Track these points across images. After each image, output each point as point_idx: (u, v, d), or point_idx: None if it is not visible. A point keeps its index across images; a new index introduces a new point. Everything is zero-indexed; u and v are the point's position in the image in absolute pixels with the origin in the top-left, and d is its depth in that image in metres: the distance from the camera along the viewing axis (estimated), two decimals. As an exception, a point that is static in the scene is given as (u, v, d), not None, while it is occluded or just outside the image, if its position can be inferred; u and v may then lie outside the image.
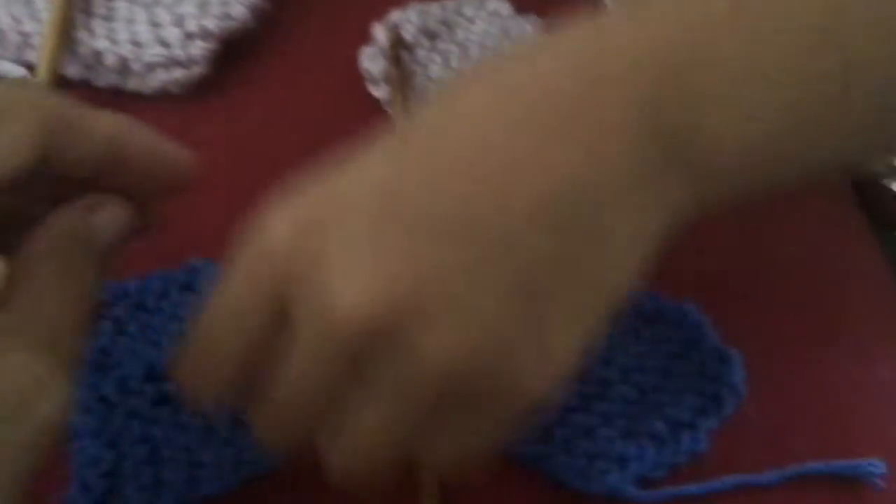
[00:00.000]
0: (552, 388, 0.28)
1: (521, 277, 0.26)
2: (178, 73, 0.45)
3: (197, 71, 0.45)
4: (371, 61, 0.46)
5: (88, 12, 0.46)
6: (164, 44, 0.45)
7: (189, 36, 0.45)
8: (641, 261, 0.28)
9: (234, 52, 0.47)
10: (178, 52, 0.45)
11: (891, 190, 0.48)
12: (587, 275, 0.27)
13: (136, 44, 0.45)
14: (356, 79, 0.46)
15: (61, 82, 0.45)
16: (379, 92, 0.45)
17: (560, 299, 0.27)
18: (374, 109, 0.45)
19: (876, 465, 0.35)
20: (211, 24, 0.45)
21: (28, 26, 0.45)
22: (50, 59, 0.44)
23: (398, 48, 0.45)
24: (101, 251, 0.27)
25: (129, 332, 0.36)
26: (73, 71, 0.45)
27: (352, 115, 0.45)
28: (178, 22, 0.45)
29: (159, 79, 0.45)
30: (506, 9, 0.48)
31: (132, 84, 0.46)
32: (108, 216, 0.28)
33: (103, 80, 0.46)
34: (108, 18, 0.46)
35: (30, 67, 0.46)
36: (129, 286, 0.38)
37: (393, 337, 0.26)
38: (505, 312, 0.26)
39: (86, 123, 0.27)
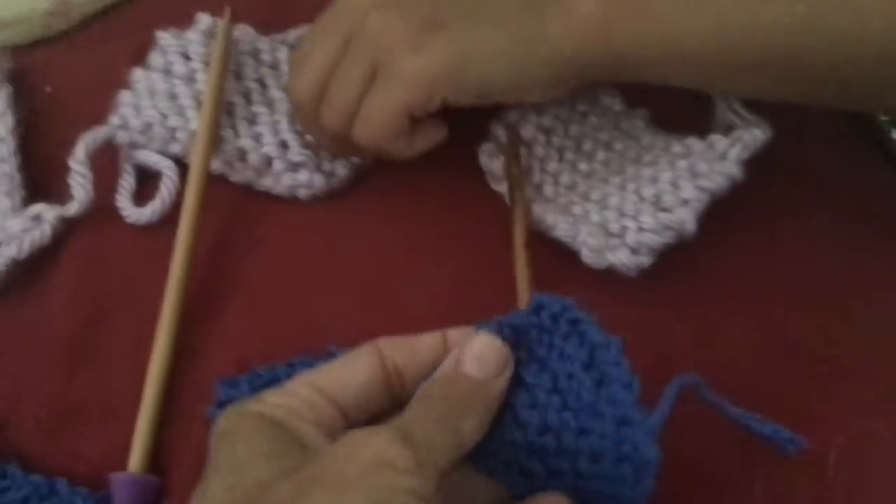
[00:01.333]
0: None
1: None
2: (317, 178, 0.48)
3: (335, 182, 0.49)
4: (489, 158, 0.48)
5: (231, 114, 0.50)
6: (313, 150, 0.48)
7: (334, 155, 0.49)
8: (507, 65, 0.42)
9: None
10: (326, 162, 0.49)
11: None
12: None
13: (284, 145, 0.49)
14: (477, 175, 0.48)
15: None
16: (499, 187, 0.48)
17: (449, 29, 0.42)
18: (495, 204, 0.48)
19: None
20: None
21: (173, 121, 0.49)
22: (203, 153, 0.47)
23: (517, 145, 0.48)
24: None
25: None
26: (213, 165, 0.49)
27: (473, 210, 0.48)
28: None
29: (297, 179, 0.48)
30: (617, 104, 0.51)
31: (265, 183, 0.49)
32: None
33: (240, 176, 0.49)
34: (252, 122, 0.50)
35: (175, 160, 0.49)
36: (277, 371, 0.40)
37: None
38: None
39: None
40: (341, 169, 0.49)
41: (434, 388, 0.34)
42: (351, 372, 0.35)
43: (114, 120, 0.49)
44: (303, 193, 0.49)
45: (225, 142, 0.49)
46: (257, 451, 0.31)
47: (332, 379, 0.35)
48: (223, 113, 0.49)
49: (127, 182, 0.49)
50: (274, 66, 0.52)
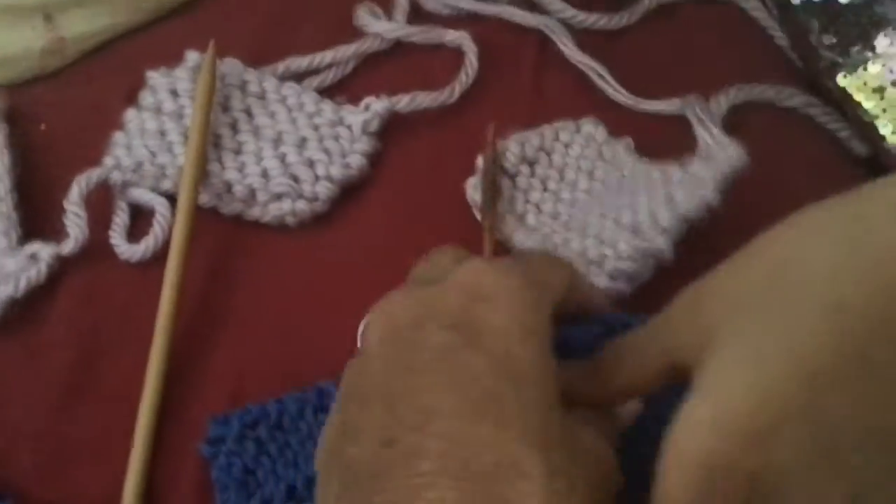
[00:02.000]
0: None
1: None
2: (300, 205, 0.49)
3: (318, 206, 0.50)
4: (476, 190, 0.49)
5: (218, 146, 0.51)
6: (293, 178, 0.50)
7: (318, 177, 0.50)
8: None
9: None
10: (307, 188, 0.49)
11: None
12: None
13: (265, 175, 0.50)
14: (464, 208, 0.49)
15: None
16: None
17: None
18: (481, 235, 0.49)
19: None
20: (336, 171, 0.50)
21: (162, 158, 0.50)
22: (189, 189, 0.48)
23: (494, 170, 0.49)
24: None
25: (270, 453, 0.40)
26: (203, 199, 0.50)
27: (460, 240, 0.48)
28: (308, 163, 0.50)
29: (281, 208, 0.49)
30: (601, 133, 0.51)
31: (254, 213, 0.50)
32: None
33: (229, 208, 0.50)
34: (237, 152, 0.51)
35: (166, 196, 0.50)
36: (268, 408, 0.42)
37: None
38: None
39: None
40: (324, 192, 0.50)
41: None
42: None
43: (107, 161, 0.51)
44: (290, 221, 0.50)
45: (212, 175, 0.50)
46: None
47: None
48: (210, 146, 0.51)
49: (120, 219, 0.50)
50: (261, 96, 0.53)
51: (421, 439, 0.29)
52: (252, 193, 0.49)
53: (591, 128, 0.52)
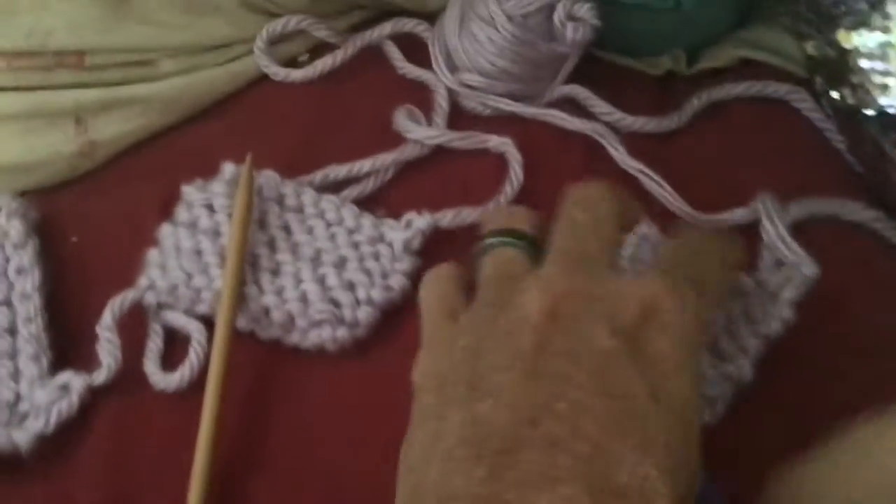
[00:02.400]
0: None
1: None
2: (341, 332, 0.47)
3: (359, 332, 0.48)
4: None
5: (256, 266, 0.49)
6: (334, 302, 0.48)
7: (358, 301, 0.48)
8: None
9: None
10: (347, 313, 0.48)
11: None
12: None
13: (304, 300, 0.48)
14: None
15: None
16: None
17: None
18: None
19: None
20: (377, 294, 0.48)
21: (199, 281, 0.49)
22: (227, 318, 0.47)
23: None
24: None
25: None
26: (240, 323, 0.48)
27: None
28: (349, 286, 0.48)
29: (321, 336, 0.47)
30: (654, 233, 0.50)
31: (293, 339, 0.48)
32: None
33: (267, 333, 0.49)
34: (275, 273, 0.49)
35: (202, 319, 0.49)
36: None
37: None
38: None
39: None
40: (365, 318, 0.48)
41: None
42: None
43: (141, 281, 0.49)
44: (330, 347, 0.48)
45: (249, 299, 0.48)
46: None
47: None
48: (247, 266, 0.49)
49: (154, 345, 0.48)
50: (299, 210, 0.52)
51: (566, 434, 0.29)
52: (291, 319, 0.48)
53: (645, 227, 0.50)
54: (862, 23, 0.48)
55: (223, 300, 0.47)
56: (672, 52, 0.61)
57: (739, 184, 0.53)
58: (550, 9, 0.53)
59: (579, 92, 0.56)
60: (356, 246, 0.50)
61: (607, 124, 0.55)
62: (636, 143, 0.55)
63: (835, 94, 0.53)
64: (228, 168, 0.51)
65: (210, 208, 0.50)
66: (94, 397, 0.47)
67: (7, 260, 0.50)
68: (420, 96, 0.57)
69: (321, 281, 0.49)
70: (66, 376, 0.47)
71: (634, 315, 0.33)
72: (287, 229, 0.51)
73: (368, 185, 0.54)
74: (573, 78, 0.57)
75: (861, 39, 0.48)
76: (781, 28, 0.61)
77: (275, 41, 0.58)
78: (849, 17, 0.48)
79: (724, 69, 0.60)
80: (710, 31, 0.61)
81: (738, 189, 0.52)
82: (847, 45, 0.49)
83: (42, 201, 0.54)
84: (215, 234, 0.50)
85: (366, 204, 0.53)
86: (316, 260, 0.49)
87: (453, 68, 0.57)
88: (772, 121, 0.57)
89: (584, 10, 0.53)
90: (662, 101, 0.59)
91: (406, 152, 0.54)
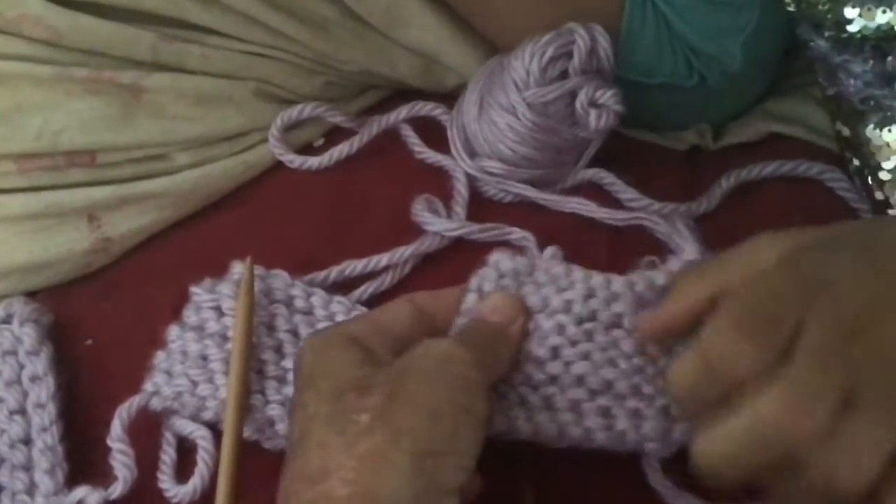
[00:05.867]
0: None
1: None
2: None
3: None
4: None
5: (262, 373, 0.49)
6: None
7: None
8: None
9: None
10: None
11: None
12: None
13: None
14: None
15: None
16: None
17: None
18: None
19: None
20: None
21: (203, 389, 0.49)
22: (232, 433, 0.46)
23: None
24: None
25: None
26: (245, 432, 0.48)
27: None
28: None
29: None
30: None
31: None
32: None
33: (272, 443, 0.48)
34: (281, 381, 0.49)
35: (208, 426, 0.48)
36: None
37: None
38: None
39: None
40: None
41: (469, 326, 0.45)
42: (393, 314, 0.44)
43: (147, 387, 0.49)
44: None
45: (255, 410, 0.48)
46: (348, 359, 0.40)
47: (381, 316, 0.44)
48: (253, 374, 0.49)
49: (168, 456, 0.49)
50: (307, 313, 0.51)
51: None
52: None
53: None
54: (892, 119, 0.45)
55: (227, 414, 0.47)
56: (697, 126, 0.59)
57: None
58: (572, 95, 0.52)
59: (604, 176, 0.55)
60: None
61: (633, 210, 0.53)
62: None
63: (869, 180, 0.50)
64: (237, 267, 0.51)
65: (218, 310, 0.50)
66: (109, 510, 0.47)
67: (21, 367, 0.51)
68: (438, 181, 0.57)
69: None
70: (81, 492, 0.48)
71: None
72: (296, 333, 0.50)
73: (386, 280, 0.53)
74: (594, 154, 0.55)
75: (892, 136, 0.45)
76: (810, 100, 0.58)
77: (290, 128, 0.57)
78: (877, 113, 0.46)
79: (751, 142, 0.58)
80: (735, 106, 0.59)
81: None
82: (877, 142, 0.47)
83: (56, 300, 0.55)
84: (222, 338, 0.50)
85: (382, 299, 0.52)
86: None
87: (472, 153, 0.55)
88: (805, 201, 0.55)
89: (608, 97, 0.52)
90: (688, 178, 0.58)
91: (425, 245, 0.53)
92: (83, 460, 0.49)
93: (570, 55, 0.52)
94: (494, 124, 0.54)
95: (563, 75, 0.52)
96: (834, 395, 0.34)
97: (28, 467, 0.48)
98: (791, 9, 0.51)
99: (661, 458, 0.45)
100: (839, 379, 0.34)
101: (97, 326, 0.53)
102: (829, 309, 0.35)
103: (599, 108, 0.52)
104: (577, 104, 0.52)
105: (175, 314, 0.51)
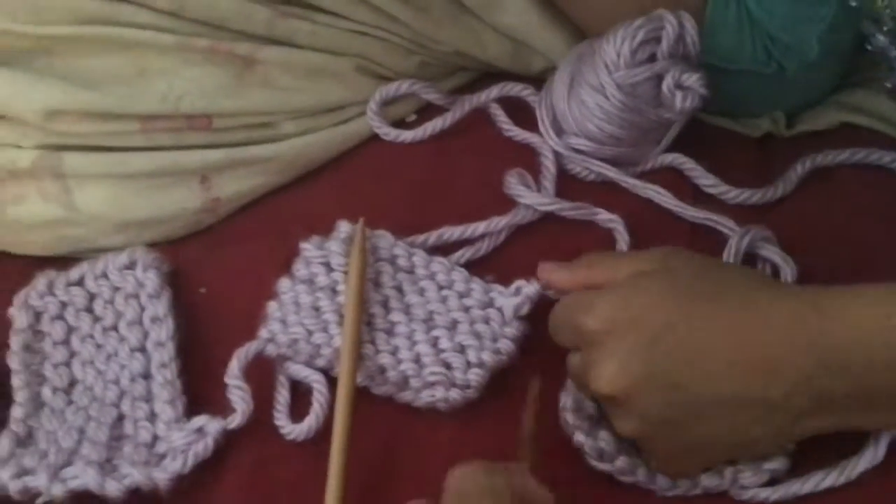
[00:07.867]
0: None
1: None
2: (453, 394, 0.50)
3: (470, 394, 0.51)
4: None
5: (371, 325, 0.52)
6: (446, 365, 0.51)
7: (469, 364, 0.50)
8: None
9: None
10: (458, 375, 0.51)
11: None
12: None
13: (418, 362, 0.52)
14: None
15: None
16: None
17: None
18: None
19: None
20: (487, 357, 0.51)
21: (318, 338, 0.53)
22: (348, 378, 0.50)
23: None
24: None
25: None
26: (357, 379, 0.51)
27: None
28: (460, 349, 0.52)
29: (433, 395, 0.51)
30: None
31: (406, 397, 0.53)
32: None
33: (381, 390, 0.53)
34: (390, 333, 0.53)
35: (323, 371, 0.52)
36: None
37: None
38: None
39: None
40: (476, 380, 0.51)
41: None
42: None
43: (263, 334, 0.53)
44: (441, 406, 0.52)
45: (365, 358, 0.52)
46: None
47: None
48: (363, 325, 0.52)
49: (283, 397, 0.53)
50: (410, 271, 0.55)
51: None
52: (405, 379, 0.52)
53: None
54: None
55: (343, 360, 0.50)
56: (771, 113, 0.62)
57: (857, 247, 0.55)
58: (659, 77, 0.56)
59: (683, 161, 0.58)
60: (467, 310, 0.53)
61: (711, 196, 0.56)
62: (741, 212, 0.56)
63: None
64: (343, 227, 0.55)
65: (328, 266, 0.54)
66: (228, 442, 0.51)
67: (142, 309, 0.55)
68: (523, 158, 0.60)
69: (434, 343, 0.52)
70: (201, 420, 0.51)
71: None
72: (400, 290, 0.54)
73: (482, 248, 0.57)
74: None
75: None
76: (883, 92, 0.61)
77: (386, 103, 0.61)
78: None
79: (822, 131, 0.61)
80: (810, 95, 0.63)
81: (858, 253, 0.54)
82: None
83: (170, 253, 0.59)
84: (333, 291, 0.53)
85: (475, 265, 0.55)
86: (428, 321, 0.53)
87: (559, 131, 0.59)
88: (879, 187, 0.58)
89: (693, 80, 0.55)
90: (762, 163, 0.61)
91: (518, 216, 0.57)
92: (198, 397, 0.53)
93: (658, 40, 0.56)
94: (583, 103, 0.57)
95: (652, 59, 0.56)
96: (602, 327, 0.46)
97: (148, 399, 0.52)
98: (853, 3, 0.54)
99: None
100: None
101: (209, 277, 0.57)
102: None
103: (685, 91, 0.56)
104: (664, 86, 0.56)
105: (281, 269, 0.55)
